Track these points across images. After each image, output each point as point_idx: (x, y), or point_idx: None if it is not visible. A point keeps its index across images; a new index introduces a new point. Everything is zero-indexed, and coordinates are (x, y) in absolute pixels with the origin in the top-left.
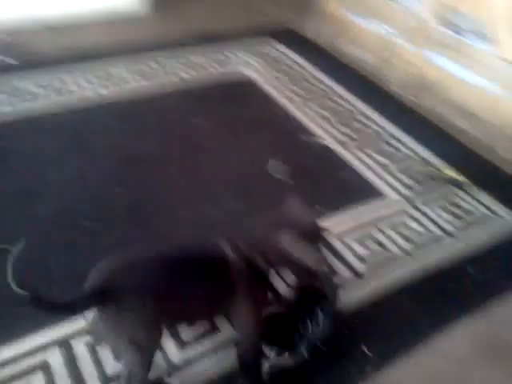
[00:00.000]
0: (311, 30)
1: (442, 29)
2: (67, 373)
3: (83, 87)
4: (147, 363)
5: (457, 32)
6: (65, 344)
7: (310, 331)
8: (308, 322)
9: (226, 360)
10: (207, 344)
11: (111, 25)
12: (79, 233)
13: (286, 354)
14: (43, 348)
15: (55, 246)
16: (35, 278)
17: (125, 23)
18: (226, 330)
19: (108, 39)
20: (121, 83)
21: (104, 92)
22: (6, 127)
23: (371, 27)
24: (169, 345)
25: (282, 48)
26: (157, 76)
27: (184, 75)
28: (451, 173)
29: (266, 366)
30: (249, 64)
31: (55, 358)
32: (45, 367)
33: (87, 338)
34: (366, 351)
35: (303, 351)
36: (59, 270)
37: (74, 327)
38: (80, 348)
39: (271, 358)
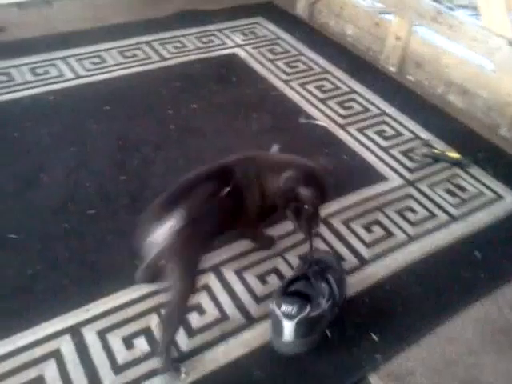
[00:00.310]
0: (302, 9)
1: (435, 4)
2: (79, 361)
3: (76, 73)
4: (192, 280)
5: (449, 7)
6: (76, 332)
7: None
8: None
9: (236, 348)
10: (216, 332)
11: (89, 4)
12: (84, 220)
13: (308, 306)
14: (55, 336)
15: (60, 233)
16: (41, 266)
17: (102, 1)
18: (236, 318)
19: (92, 19)
20: (115, 68)
21: (98, 77)
22: (1, 115)
23: (361, 3)
24: (179, 334)
25: (273, 28)
26: (149, 59)
27: (177, 58)
28: (453, 154)
29: (290, 325)
30: (240, 44)
31: (67, 346)
32: (57, 355)
33: (98, 327)
34: (376, 339)
35: (323, 303)
36: (65, 257)
37: (84, 316)
38: (91, 336)
39: (293, 313)
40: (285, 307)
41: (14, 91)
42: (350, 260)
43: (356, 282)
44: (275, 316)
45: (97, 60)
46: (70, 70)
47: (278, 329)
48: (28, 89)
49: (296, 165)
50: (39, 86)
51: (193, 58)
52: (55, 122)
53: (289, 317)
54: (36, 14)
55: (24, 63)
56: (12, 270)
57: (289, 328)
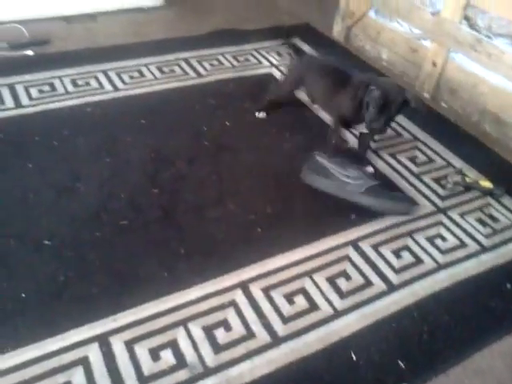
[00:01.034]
0: (339, 32)
1: (470, 30)
2: (106, 369)
3: (115, 86)
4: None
5: (488, 36)
6: (104, 341)
7: None
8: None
9: (261, 366)
10: (242, 349)
11: (132, 20)
12: (116, 230)
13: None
14: (84, 343)
15: (92, 242)
16: (72, 273)
17: (145, 18)
18: (262, 336)
19: (131, 35)
20: (152, 83)
21: (136, 91)
22: (39, 123)
23: (398, 28)
24: (205, 348)
25: (309, 49)
26: (186, 76)
27: (213, 75)
28: (486, 183)
29: None
30: (275, 65)
31: (95, 354)
32: (85, 362)
33: (125, 337)
34: (402, 366)
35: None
36: (96, 266)
37: (112, 325)
38: (118, 346)
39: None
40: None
41: (56, 101)
42: (378, 284)
43: (383, 307)
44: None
45: (136, 74)
46: (109, 83)
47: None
48: (68, 99)
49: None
50: (79, 97)
51: (228, 76)
52: (92, 132)
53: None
54: (80, 27)
55: (66, 74)
56: (45, 275)
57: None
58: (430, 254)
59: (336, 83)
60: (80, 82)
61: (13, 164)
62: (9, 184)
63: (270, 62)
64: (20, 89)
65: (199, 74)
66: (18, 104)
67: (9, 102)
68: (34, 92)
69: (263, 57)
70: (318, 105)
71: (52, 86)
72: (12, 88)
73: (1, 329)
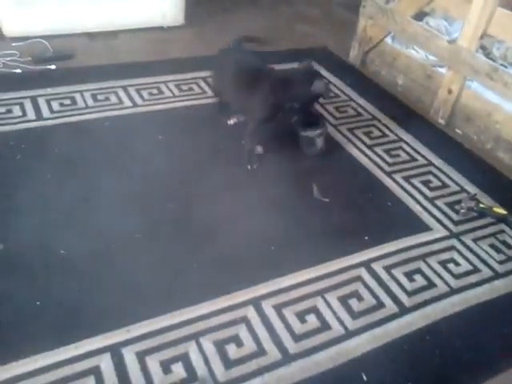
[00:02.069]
0: (355, 56)
1: (486, 59)
2: (117, 380)
3: (134, 101)
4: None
5: (503, 65)
6: (116, 352)
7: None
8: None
9: (271, 383)
10: (253, 365)
11: (152, 38)
12: (130, 243)
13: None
14: (96, 353)
15: (107, 253)
16: (87, 283)
17: (165, 37)
18: (273, 353)
19: (151, 53)
20: (171, 100)
21: (154, 107)
22: (59, 135)
23: (414, 55)
24: (216, 363)
25: (325, 73)
26: (204, 94)
27: None
28: (500, 210)
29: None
30: None
31: (107, 365)
32: (97, 372)
33: (137, 348)
34: None
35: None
36: (110, 277)
37: (124, 336)
38: (130, 357)
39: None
40: (312, 132)
41: (76, 115)
42: (390, 306)
43: (395, 329)
44: (309, 138)
45: (155, 91)
46: (128, 99)
47: (312, 144)
48: (88, 113)
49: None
50: (98, 112)
51: None
52: (110, 146)
53: (319, 135)
54: (103, 44)
55: (87, 89)
56: (60, 284)
57: (320, 142)
58: (442, 278)
59: (247, 82)
60: (100, 97)
61: (32, 174)
62: (28, 193)
63: None
64: (42, 102)
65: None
66: (39, 116)
67: (31, 114)
68: (55, 105)
69: None
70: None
71: (73, 99)
72: (34, 100)
73: (16, 336)
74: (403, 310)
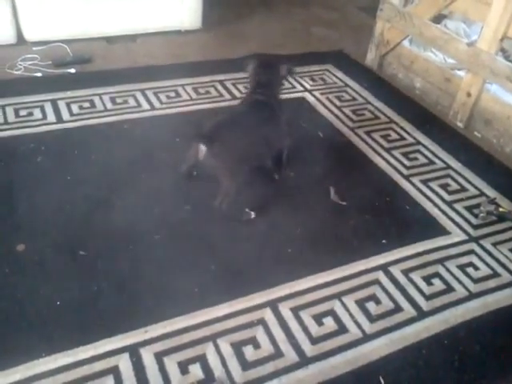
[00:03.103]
0: (372, 59)
1: (506, 62)
2: (136, 380)
3: (152, 104)
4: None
5: None
6: (134, 352)
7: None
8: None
9: None
10: (270, 367)
11: (170, 42)
12: (149, 244)
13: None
14: (115, 353)
15: (125, 255)
16: (105, 284)
17: (182, 41)
18: (290, 355)
19: (169, 56)
20: (188, 103)
21: (171, 110)
22: (78, 137)
23: (432, 58)
24: (233, 364)
25: (342, 76)
26: (221, 97)
27: None
28: None
29: None
30: (309, 89)
31: (125, 365)
32: (116, 372)
33: (155, 349)
34: None
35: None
36: (128, 277)
37: (143, 336)
38: (148, 358)
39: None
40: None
41: (95, 117)
42: (408, 310)
43: (413, 333)
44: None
45: (172, 94)
46: (146, 102)
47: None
48: (107, 116)
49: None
50: (117, 115)
51: None
52: (128, 149)
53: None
54: (121, 47)
55: (106, 92)
56: (79, 285)
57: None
58: (461, 283)
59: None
60: (119, 100)
61: (52, 176)
62: (48, 195)
63: (304, 86)
64: (62, 104)
65: (234, 96)
66: (59, 119)
67: (51, 116)
68: (74, 108)
69: (297, 81)
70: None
71: (92, 102)
72: (54, 103)
73: (36, 335)
74: (421, 314)
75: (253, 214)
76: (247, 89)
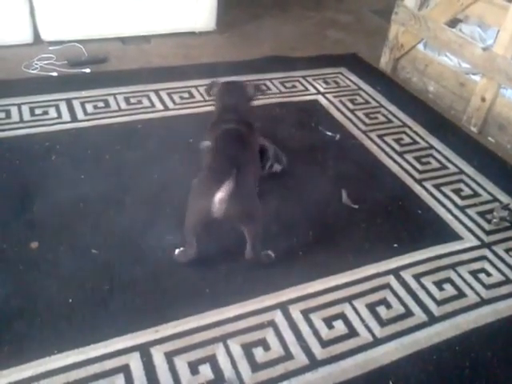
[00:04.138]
0: (386, 63)
1: None
2: (146, 379)
3: (166, 105)
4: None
5: None
6: (145, 351)
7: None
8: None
9: None
10: (280, 369)
11: (184, 43)
12: (161, 245)
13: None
14: (125, 352)
15: (137, 254)
16: (117, 282)
17: (196, 42)
18: (300, 358)
19: (182, 57)
20: (201, 104)
21: (185, 111)
22: (92, 137)
23: (446, 62)
24: (243, 366)
25: (355, 79)
26: None
27: (260, 99)
28: None
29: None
30: (322, 92)
31: (136, 363)
32: (126, 370)
33: (165, 348)
34: None
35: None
36: (139, 277)
37: (153, 336)
38: (158, 357)
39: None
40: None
41: (109, 117)
42: (419, 315)
43: (424, 338)
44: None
45: (186, 95)
46: (160, 102)
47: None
48: (120, 116)
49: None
50: (131, 115)
51: (275, 101)
52: (142, 149)
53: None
54: (135, 48)
55: (120, 92)
56: (91, 283)
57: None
58: (473, 288)
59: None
60: (133, 100)
61: (66, 174)
62: (62, 193)
63: (317, 89)
64: (76, 104)
65: None
66: (73, 118)
67: (65, 115)
68: (89, 107)
69: (310, 84)
70: None
71: (106, 102)
72: (69, 103)
73: (48, 332)
74: (432, 319)
75: (273, 255)
76: (213, 114)
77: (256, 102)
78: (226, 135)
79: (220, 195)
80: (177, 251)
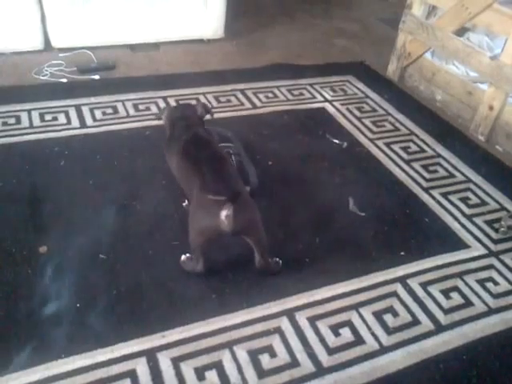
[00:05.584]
0: (393, 71)
1: None
2: None
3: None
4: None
5: None
6: (152, 356)
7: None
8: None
9: None
10: (286, 376)
11: (192, 50)
12: (168, 250)
13: None
14: (132, 357)
15: (145, 259)
16: (125, 288)
17: (205, 49)
18: (306, 365)
19: (191, 64)
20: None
21: None
22: (101, 143)
23: (454, 71)
24: (249, 372)
25: (363, 87)
26: (242, 106)
27: (268, 107)
28: None
29: None
30: (329, 100)
31: (142, 369)
32: (133, 375)
33: (172, 354)
34: None
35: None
36: (147, 282)
37: (160, 341)
38: (165, 362)
39: None
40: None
41: (117, 123)
42: (426, 323)
43: (431, 347)
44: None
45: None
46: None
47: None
48: (129, 122)
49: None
50: (139, 121)
51: (282, 108)
52: (150, 155)
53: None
54: (144, 55)
55: (129, 99)
56: (98, 288)
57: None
58: (480, 297)
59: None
60: (141, 107)
61: (75, 180)
62: (71, 198)
63: (324, 97)
64: (86, 110)
65: (254, 105)
66: (82, 124)
67: (75, 121)
68: (98, 114)
69: (317, 92)
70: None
71: (115, 108)
72: (78, 109)
73: (56, 336)
74: (439, 328)
75: (280, 262)
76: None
77: (261, 110)
78: (192, 143)
79: (225, 212)
80: (183, 257)
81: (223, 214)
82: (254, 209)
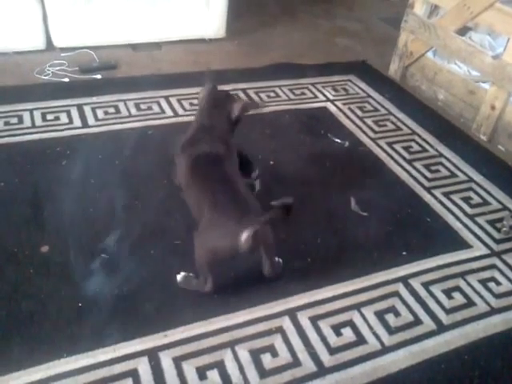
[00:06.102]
0: (395, 70)
1: None
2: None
3: (176, 111)
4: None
5: None
6: (153, 356)
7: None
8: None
9: None
10: (287, 376)
11: (194, 50)
12: (170, 250)
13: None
14: (134, 356)
15: (146, 259)
16: (127, 287)
17: (206, 49)
18: (307, 365)
19: (193, 64)
20: None
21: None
22: (103, 142)
23: (456, 70)
24: (251, 372)
25: (364, 86)
26: None
27: (270, 106)
28: None
29: None
30: (331, 99)
31: (144, 368)
32: (135, 375)
33: (174, 353)
34: None
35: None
36: (149, 282)
37: (162, 341)
38: (167, 362)
39: None
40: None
41: (119, 123)
42: (428, 323)
43: (433, 347)
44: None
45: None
46: (170, 108)
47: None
48: (131, 122)
49: None
50: (141, 121)
51: (284, 107)
52: (151, 154)
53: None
54: (146, 55)
55: (130, 98)
56: (100, 288)
57: (258, 184)
58: (482, 297)
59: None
60: (143, 106)
61: (77, 179)
62: (72, 197)
63: (326, 96)
64: (87, 110)
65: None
66: (84, 123)
67: (76, 121)
68: (99, 113)
69: (319, 91)
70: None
71: (117, 108)
72: (80, 108)
73: (58, 336)
74: (441, 328)
75: (281, 262)
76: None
77: (263, 110)
78: (202, 162)
79: (246, 235)
80: (180, 277)
81: (244, 236)
82: (267, 224)
